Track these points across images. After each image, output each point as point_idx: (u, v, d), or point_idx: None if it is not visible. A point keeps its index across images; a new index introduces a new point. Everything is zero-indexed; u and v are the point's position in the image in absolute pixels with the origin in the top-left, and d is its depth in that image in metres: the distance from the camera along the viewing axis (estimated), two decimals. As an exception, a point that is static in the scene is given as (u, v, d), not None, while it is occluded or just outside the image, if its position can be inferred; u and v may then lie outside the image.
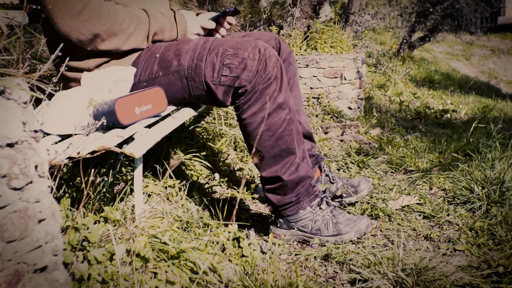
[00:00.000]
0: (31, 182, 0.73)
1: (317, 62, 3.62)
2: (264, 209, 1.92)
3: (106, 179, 1.47)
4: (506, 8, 14.95)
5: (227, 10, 1.64)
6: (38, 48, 2.00)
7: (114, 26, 1.40)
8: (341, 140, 2.94)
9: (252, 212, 1.87)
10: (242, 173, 2.16)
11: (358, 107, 3.82)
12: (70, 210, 1.26)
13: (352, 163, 2.39)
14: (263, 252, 1.50)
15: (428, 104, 4.91)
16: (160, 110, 1.41)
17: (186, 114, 1.53)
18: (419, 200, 1.88)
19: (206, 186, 1.92)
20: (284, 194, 1.54)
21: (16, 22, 1.47)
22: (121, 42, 1.44)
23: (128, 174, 1.67)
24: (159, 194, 1.66)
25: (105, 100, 1.31)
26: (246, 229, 1.54)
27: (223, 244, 1.39)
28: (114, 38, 1.42)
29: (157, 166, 1.73)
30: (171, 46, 1.50)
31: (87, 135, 1.16)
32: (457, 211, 1.75)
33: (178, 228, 1.40)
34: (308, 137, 1.83)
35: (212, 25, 1.61)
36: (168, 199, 1.70)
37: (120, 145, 1.22)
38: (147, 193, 1.57)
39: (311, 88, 3.65)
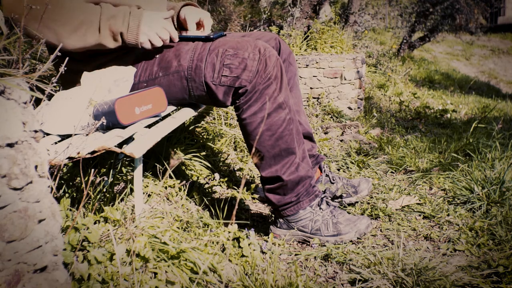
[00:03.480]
0: (31, 182, 0.73)
1: (317, 62, 3.62)
2: (264, 209, 1.92)
3: (106, 179, 1.47)
4: (506, 8, 14.95)
5: (212, 36, 1.48)
6: (38, 48, 2.00)
7: (63, 15, 1.32)
8: (341, 140, 2.94)
9: (252, 212, 1.87)
10: (242, 173, 2.16)
11: (358, 107, 3.82)
12: (70, 210, 1.26)
13: (352, 163, 2.39)
14: (263, 252, 1.50)
15: (428, 104, 4.91)
16: (160, 110, 1.41)
17: (186, 114, 1.54)
18: (419, 200, 1.88)
19: (206, 186, 1.92)
20: (284, 194, 1.54)
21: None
22: (74, 35, 1.35)
23: (128, 174, 1.67)
24: (159, 194, 1.66)
25: (105, 100, 1.31)
26: (246, 229, 1.54)
27: (223, 244, 1.39)
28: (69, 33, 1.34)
29: (157, 166, 1.73)
30: (171, 46, 1.50)
31: (87, 135, 1.16)
32: (457, 211, 1.74)
33: (178, 228, 1.40)
34: (308, 137, 1.83)
35: (165, 35, 1.43)
36: (168, 199, 1.70)
37: (120, 145, 1.22)
38: (147, 193, 1.57)
39: (311, 88, 3.65)
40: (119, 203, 1.43)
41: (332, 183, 1.87)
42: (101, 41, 1.38)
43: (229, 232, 1.42)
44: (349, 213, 1.79)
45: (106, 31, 1.37)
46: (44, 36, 1.31)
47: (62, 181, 1.45)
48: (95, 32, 1.36)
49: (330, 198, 1.86)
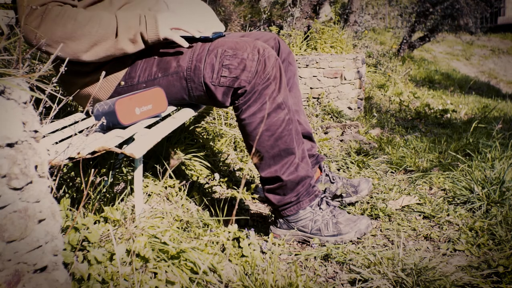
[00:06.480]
0: (31, 182, 0.73)
1: (317, 62, 3.62)
2: (264, 209, 1.92)
3: (106, 179, 1.47)
4: (506, 8, 14.93)
5: (210, 36, 1.49)
6: (38, 48, 1.99)
7: (77, 31, 1.31)
8: (341, 140, 2.94)
9: (252, 212, 1.87)
10: (242, 173, 2.16)
11: (358, 107, 3.82)
12: (70, 210, 1.26)
13: (352, 163, 2.39)
14: (263, 252, 1.50)
15: (428, 104, 4.91)
16: (160, 110, 1.41)
17: (186, 114, 1.54)
18: (419, 200, 1.88)
19: (206, 186, 1.92)
20: (284, 194, 1.54)
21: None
22: (85, 46, 1.34)
23: (128, 174, 1.67)
24: (159, 194, 1.66)
25: (105, 101, 1.31)
26: (246, 229, 1.54)
27: (223, 244, 1.39)
28: (73, 42, 1.32)
29: (157, 166, 1.73)
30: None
31: (87, 135, 1.16)
32: (457, 211, 1.74)
33: (178, 228, 1.40)
34: (308, 137, 1.83)
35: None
36: (168, 199, 1.70)
37: (120, 146, 1.22)
38: (147, 193, 1.57)
39: (311, 88, 3.65)
40: (119, 203, 1.43)
41: (332, 183, 1.87)
42: (121, 46, 1.38)
43: (229, 232, 1.42)
44: (349, 213, 1.79)
45: (125, 40, 1.38)
46: (60, 51, 1.30)
47: (62, 181, 1.45)
48: (114, 44, 1.37)
49: (330, 198, 1.86)
